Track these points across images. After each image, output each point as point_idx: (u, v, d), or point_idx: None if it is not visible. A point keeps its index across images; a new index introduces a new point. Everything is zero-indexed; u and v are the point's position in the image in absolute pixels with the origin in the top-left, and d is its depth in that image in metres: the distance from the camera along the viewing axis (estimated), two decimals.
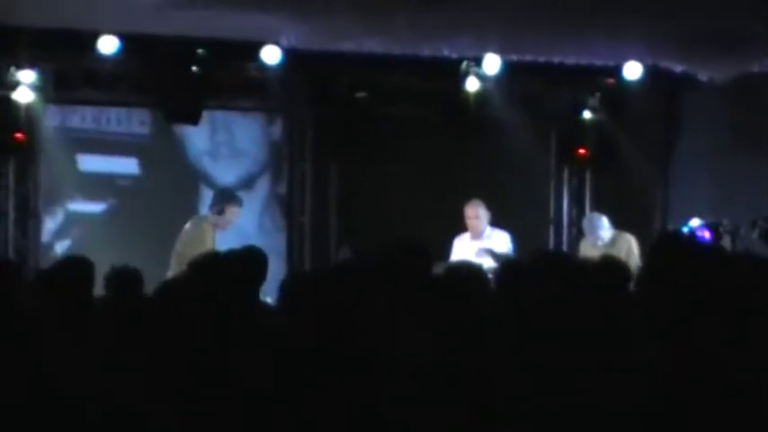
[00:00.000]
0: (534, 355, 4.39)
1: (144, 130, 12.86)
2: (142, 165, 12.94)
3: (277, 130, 13.34)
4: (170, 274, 9.68)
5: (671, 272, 3.81)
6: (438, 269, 5.71)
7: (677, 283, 3.79)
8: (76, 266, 5.81)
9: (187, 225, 10.68)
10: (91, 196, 12.72)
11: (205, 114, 12.08)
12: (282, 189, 13.34)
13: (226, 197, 10.93)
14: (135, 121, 12.83)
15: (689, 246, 3.91)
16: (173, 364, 4.19)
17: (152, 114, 12.67)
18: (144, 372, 4.18)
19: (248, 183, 13.19)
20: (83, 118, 12.64)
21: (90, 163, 12.75)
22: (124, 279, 6.20)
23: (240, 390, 4.17)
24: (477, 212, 11.02)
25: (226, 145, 13.22)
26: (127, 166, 12.93)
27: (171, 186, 12.81)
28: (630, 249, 10.84)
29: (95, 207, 12.77)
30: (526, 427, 4.19)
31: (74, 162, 12.60)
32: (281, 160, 13.31)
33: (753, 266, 4.35)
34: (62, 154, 12.36)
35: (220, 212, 10.59)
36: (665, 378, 3.67)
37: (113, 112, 12.71)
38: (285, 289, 4.58)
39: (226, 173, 13.08)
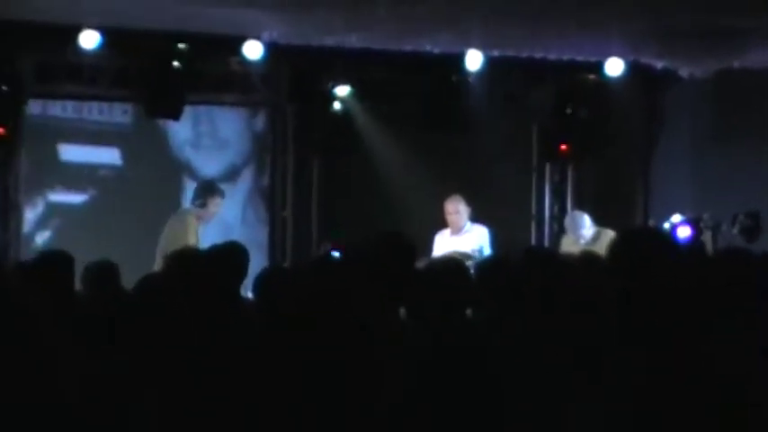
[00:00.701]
0: (521, 351, 4.41)
1: (126, 119, 12.80)
2: (124, 155, 12.87)
3: (260, 121, 13.31)
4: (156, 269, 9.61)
5: (633, 269, 3.82)
6: (419, 264, 5.72)
7: (639, 281, 3.80)
8: (56, 261, 5.80)
9: (170, 220, 10.73)
10: (72, 187, 12.67)
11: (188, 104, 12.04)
12: (266, 182, 13.31)
13: (208, 189, 10.96)
14: (117, 111, 12.77)
15: (650, 243, 3.91)
16: (153, 361, 4.18)
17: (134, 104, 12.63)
18: (124, 368, 4.18)
19: (231, 175, 13.16)
20: (63, 107, 12.58)
21: (71, 153, 12.69)
22: (100, 274, 6.21)
23: (222, 386, 4.17)
24: (457, 208, 11.04)
25: (209, 136, 13.17)
26: (108, 156, 12.87)
27: (153, 177, 12.75)
28: None
29: (76, 198, 12.71)
30: (514, 424, 4.21)
31: (55, 152, 12.55)
32: (264, 152, 13.28)
33: (729, 263, 4.38)
34: (43, 144, 12.33)
35: (203, 205, 10.67)
36: (637, 385, 3.69)
37: (95, 102, 12.66)
38: (260, 284, 4.59)
39: (208, 164, 13.06)
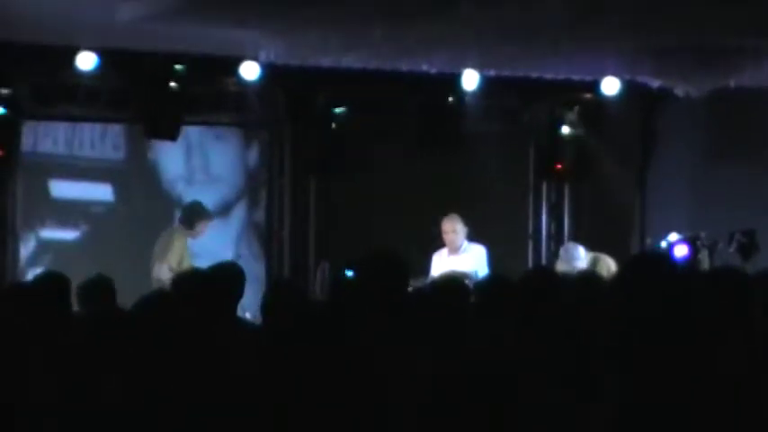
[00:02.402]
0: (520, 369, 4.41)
1: (118, 155, 12.73)
2: (116, 190, 12.78)
3: (254, 154, 13.26)
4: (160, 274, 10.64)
5: (639, 291, 3.83)
6: (417, 284, 5.72)
7: (645, 303, 3.81)
8: (52, 281, 5.78)
9: (159, 238, 11.21)
10: (64, 223, 12.59)
11: (181, 138, 11.91)
12: (260, 217, 13.24)
13: (194, 213, 11.33)
14: (108, 146, 12.71)
15: (659, 265, 3.93)
16: (150, 378, 4.18)
17: (126, 137, 12.58)
18: (122, 385, 4.17)
19: (224, 209, 13.09)
20: (54, 141, 12.52)
21: (63, 189, 12.59)
22: (94, 289, 6.21)
23: (219, 402, 4.16)
24: (454, 227, 11.05)
25: (201, 170, 13.09)
26: (100, 192, 12.79)
27: (145, 212, 12.64)
28: (610, 272, 10.83)
29: (69, 234, 12.62)
30: None
31: (46, 188, 12.47)
32: (258, 186, 13.23)
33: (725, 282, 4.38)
34: (34, 180, 12.25)
35: (191, 227, 11.13)
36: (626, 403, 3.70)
37: (87, 135, 12.59)
38: (268, 298, 4.59)
39: (201, 198, 12.93)
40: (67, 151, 12.61)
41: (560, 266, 11.47)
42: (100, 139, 12.59)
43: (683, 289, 4.02)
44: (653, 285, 3.87)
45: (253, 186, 13.28)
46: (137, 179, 12.83)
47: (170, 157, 12.48)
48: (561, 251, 11.86)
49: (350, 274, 8.71)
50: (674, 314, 3.88)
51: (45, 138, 12.42)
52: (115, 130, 12.69)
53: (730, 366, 3.94)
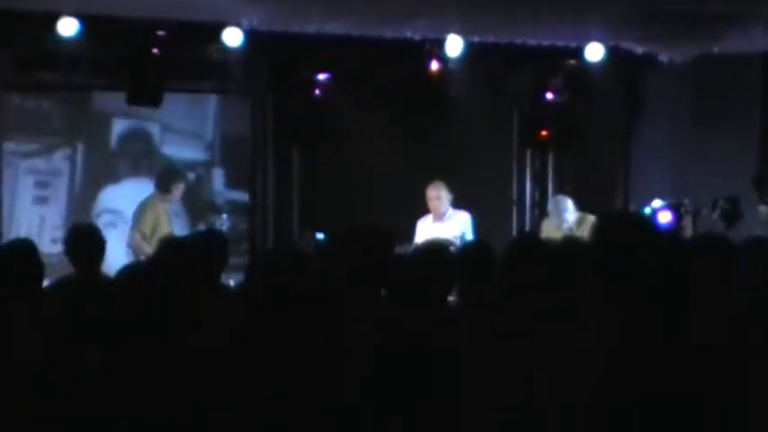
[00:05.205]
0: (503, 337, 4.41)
1: None
2: None
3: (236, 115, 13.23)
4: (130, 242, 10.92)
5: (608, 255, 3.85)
6: (402, 250, 5.71)
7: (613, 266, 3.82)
8: (19, 249, 5.71)
9: (137, 207, 11.30)
10: None
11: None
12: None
13: (168, 176, 11.48)
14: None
15: (628, 226, 3.94)
16: (132, 349, 4.17)
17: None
18: (104, 356, 4.17)
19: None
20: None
21: None
22: (87, 239, 6.20)
23: (201, 372, 4.16)
24: (438, 193, 11.05)
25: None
26: None
27: None
28: None
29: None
30: (492, 411, 4.22)
31: None
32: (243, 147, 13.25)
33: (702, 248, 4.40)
34: None
35: (167, 191, 11.27)
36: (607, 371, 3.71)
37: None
38: (250, 270, 4.58)
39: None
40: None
41: (550, 219, 11.52)
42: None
43: (657, 245, 4.03)
44: (626, 242, 3.88)
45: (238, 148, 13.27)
46: None
47: None
48: (550, 204, 11.92)
49: (320, 237, 8.66)
50: (649, 274, 3.89)
51: None
52: None
53: (712, 334, 3.95)
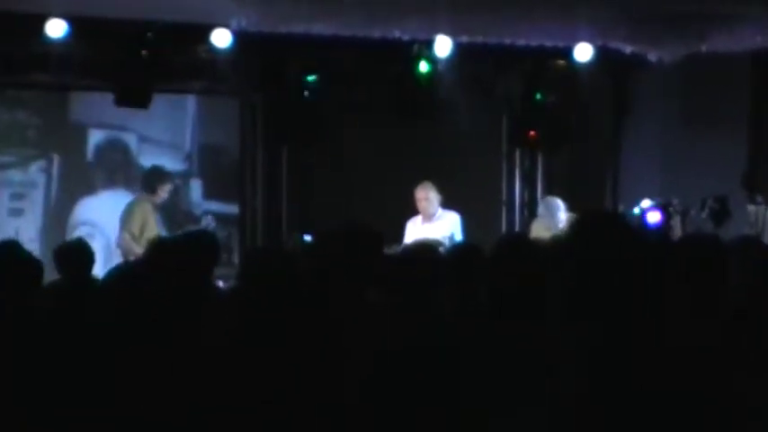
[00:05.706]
0: (495, 333, 4.41)
1: None
2: None
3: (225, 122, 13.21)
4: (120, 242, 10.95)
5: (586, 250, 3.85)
6: (389, 251, 5.71)
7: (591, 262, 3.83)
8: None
9: (124, 209, 11.30)
10: None
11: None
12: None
13: (154, 177, 11.44)
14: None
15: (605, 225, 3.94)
16: (129, 352, 4.17)
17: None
18: (100, 359, 4.16)
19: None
20: None
21: None
22: (74, 254, 6.17)
23: (200, 373, 4.16)
24: (427, 194, 11.06)
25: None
26: None
27: None
28: None
29: None
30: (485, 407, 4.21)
31: None
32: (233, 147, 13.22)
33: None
34: None
35: (153, 192, 11.25)
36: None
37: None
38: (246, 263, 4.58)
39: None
40: None
41: (541, 221, 11.51)
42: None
43: (638, 246, 4.03)
44: (605, 241, 3.89)
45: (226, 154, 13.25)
46: None
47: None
48: (541, 207, 11.90)
49: (306, 238, 8.64)
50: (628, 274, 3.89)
51: None
52: None
53: (702, 336, 3.95)
